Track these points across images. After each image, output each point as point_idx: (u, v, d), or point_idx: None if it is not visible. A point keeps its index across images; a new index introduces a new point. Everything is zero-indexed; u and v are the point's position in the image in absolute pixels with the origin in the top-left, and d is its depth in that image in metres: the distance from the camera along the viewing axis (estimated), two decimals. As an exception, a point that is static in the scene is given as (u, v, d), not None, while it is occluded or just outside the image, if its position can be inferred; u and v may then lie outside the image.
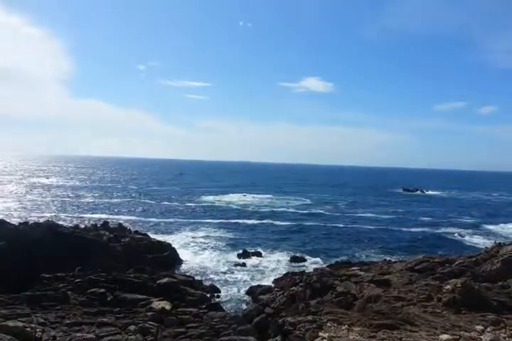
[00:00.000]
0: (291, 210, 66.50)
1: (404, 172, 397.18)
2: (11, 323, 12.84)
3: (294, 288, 20.89)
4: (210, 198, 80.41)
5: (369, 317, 12.85)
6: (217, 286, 25.74)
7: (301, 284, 20.64)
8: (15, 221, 38.75)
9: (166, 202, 71.00)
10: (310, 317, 13.30)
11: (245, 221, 53.55)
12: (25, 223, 35.39)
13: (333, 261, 32.42)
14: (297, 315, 14.80)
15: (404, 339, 10.89)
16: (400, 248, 39.77)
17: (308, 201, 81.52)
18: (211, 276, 28.81)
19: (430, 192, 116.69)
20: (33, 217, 47.52)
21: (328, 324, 12.35)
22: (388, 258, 31.48)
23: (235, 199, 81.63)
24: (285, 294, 20.64)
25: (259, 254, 35.07)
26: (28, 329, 12.96)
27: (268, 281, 27.14)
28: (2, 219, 35.16)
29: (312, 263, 32.60)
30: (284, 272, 28.78)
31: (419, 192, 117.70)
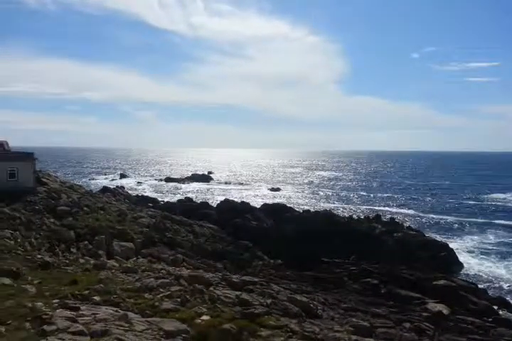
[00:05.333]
0: None
1: None
2: (298, 297, 14.78)
3: None
4: (502, 196, 69.01)
5: None
6: (508, 299, 21.83)
7: None
8: (300, 208, 44.53)
9: (446, 199, 65.24)
10: None
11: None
12: (308, 211, 40.22)
13: None
14: None
15: None
16: None
17: None
18: (499, 287, 24.75)
19: None
20: (313, 206, 53.34)
21: None
22: None
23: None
24: None
25: None
26: (311, 305, 14.51)
27: None
28: (290, 207, 41.11)
29: None
30: None
31: None
